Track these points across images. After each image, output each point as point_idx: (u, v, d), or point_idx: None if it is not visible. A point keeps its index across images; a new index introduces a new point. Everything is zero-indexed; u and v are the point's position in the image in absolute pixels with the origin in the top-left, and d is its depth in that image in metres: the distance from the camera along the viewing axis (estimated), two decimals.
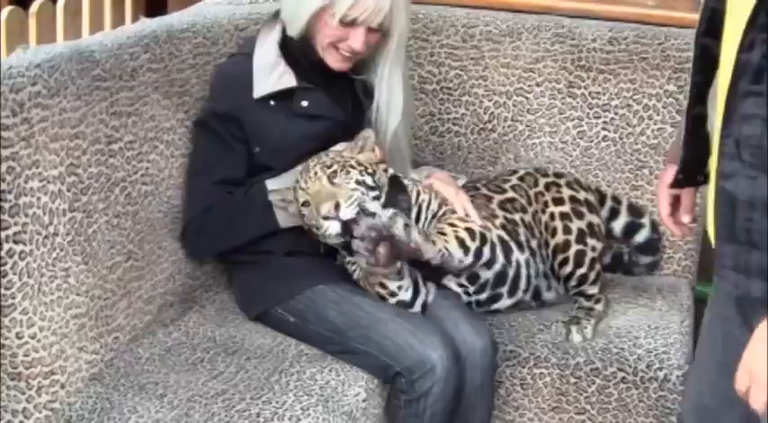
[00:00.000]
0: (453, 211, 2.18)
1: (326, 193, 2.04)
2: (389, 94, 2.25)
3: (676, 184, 1.69)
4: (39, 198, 1.79)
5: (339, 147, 2.17)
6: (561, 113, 2.62)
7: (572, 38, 2.61)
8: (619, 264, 2.57)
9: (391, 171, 2.17)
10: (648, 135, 2.59)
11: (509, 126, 2.65)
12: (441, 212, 2.18)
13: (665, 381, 2.16)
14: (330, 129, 2.21)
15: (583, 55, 2.60)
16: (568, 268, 2.31)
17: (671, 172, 1.71)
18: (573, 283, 2.32)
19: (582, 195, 2.40)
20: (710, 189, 1.52)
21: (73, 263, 1.88)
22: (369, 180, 2.07)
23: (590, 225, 2.36)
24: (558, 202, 2.36)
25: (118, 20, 3.29)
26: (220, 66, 2.28)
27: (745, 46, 1.39)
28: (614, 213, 2.54)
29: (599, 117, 2.61)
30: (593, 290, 2.33)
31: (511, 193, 2.35)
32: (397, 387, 2.03)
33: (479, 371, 2.09)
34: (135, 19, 3.18)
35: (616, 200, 2.55)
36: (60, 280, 1.85)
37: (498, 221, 2.26)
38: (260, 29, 2.28)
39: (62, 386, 1.85)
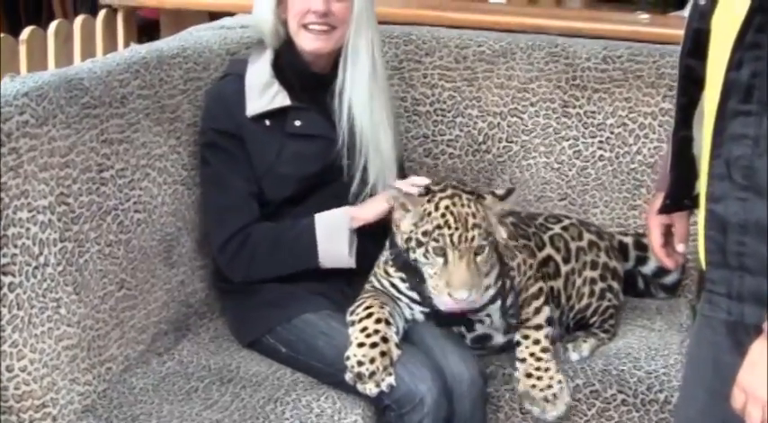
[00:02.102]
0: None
1: (470, 278, 1.87)
2: (354, 60, 2.19)
3: (664, 209, 1.66)
4: (28, 228, 1.77)
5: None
6: (556, 133, 2.61)
7: (566, 57, 2.60)
8: (632, 288, 2.54)
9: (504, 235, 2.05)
10: (645, 154, 2.57)
11: (504, 147, 2.63)
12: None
13: (666, 403, 2.12)
14: (324, 148, 2.21)
15: (577, 74, 2.59)
16: (584, 320, 2.31)
17: (660, 200, 1.68)
18: (592, 320, 2.33)
19: (613, 264, 2.38)
20: (701, 213, 1.49)
21: (64, 293, 1.86)
22: (495, 241, 1.97)
23: (610, 288, 2.35)
24: (594, 266, 2.33)
25: (110, 46, 3.28)
26: (213, 87, 2.28)
27: (734, 64, 1.38)
28: (642, 260, 2.51)
29: (594, 136, 2.59)
30: (605, 325, 2.33)
31: (548, 249, 2.28)
32: (387, 420, 2.00)
33: (468, 402, 2.05)
34: (127, 45, 3.17)
35: (642, 247, 2.49)
36: (51, 311, 1.82)
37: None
38: (250, 51, 2.28)
39: (54, 419, 1.82)
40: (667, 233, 1.73)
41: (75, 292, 1.88)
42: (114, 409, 1.92)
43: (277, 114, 2.19)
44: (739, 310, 1.40)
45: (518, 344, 2.12)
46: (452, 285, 1.88)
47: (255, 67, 2.21)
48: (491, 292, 2.04)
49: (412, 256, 1.95)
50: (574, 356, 2.22)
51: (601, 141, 2.59)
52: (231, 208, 2.17)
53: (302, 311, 2.13)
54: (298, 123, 2.19)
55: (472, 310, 2.02)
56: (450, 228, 1.89)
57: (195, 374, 2.07)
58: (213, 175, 2.20)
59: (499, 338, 2.17)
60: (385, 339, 1.98)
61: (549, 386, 2.08)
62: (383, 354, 1.96)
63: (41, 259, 1.80)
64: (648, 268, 2.51)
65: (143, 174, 2.12)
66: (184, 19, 3.24)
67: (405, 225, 1.95)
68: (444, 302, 1.91)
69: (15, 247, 1.74)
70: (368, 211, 2.14)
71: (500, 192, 2.00)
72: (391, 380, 1.95)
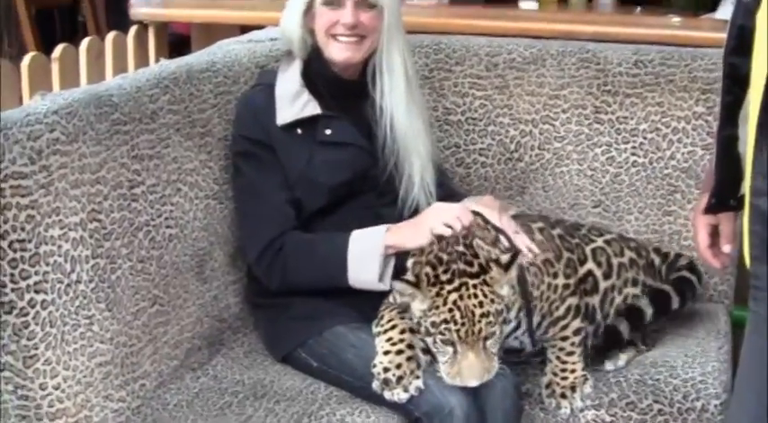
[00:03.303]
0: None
1: (479, 367, 1.87)
2: (391, 82, 2.21)
3: (709, 209, 1.64)
4: (60, 246, 1.77)
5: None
6: (589, 140, 2.58)
7: (597, 62, 2.57)
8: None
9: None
10: (679, 159, 2.53)
11: (536, 155, 2.61)
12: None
13: (704, 411, 2.08)
14: (355, 156, 2.21)
15: (609, 79, 2.56)
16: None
17: (705, 199, 1.66)
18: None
19: (649, 282, 2.34)
20: (745, 209, 1.46)
21: (96, 310, 1.86)
22: (506, 316, 1.94)
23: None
24: (635, 283, 2.30)
25: (142, 62, 3.30)
26: (244, 96, 2.28)
27: None
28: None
29: (627, 142, 2.56)
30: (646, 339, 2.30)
31: (590, 264, 2.25)
32: None
33: (501, 413, 2.01)
34: (158, 60, 3.18)
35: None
36: (84, 328, 1.82)
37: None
38: (280, 61, 2.29)
39: None
40: (714, 234, 1.71)
41: (108, 308, 1.89)
42: None
43: (308, 123, 2.19)
44: None
45: (546, 348, 2.16)
46: (462, 375, 1.88)
47: (285, 76, 2.22)
48: (513, 324, 2.02)
49: (423, 337, 1.94)
50: (609, 366, 2.19)
51: (634, 147, 2.55)
52: (266, 216, 2.16)
53: (333, 325, 2.12)
54: (328, 132, 2.19)
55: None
56: (456, 323, 1.87)
57: (229, 390, 2.07)
58: (247, 184, 2.20)
59: (530, 347, 2.15)
60: (411, 346, 1.97)
61: (573, 385, 2.11)
62: (409, 358, 1.95)
63: (74, 276, 1.80)
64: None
65: (174, 189, 2.12)
66: (215, 33, 3.24)
67: (415, 308, 1.93)
68: (458, 385, 1.91)
69: (47, 264, 1.74)
70: (406, 241, 2.07)
71: (504, 259, 1.95)
72: (419, 383, 1.93)
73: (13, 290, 1.69)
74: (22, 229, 1.70)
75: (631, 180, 2.57)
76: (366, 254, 2.09)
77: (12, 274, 1.69)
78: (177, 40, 3.88)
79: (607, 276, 2.27)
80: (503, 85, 2.61)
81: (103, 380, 1.87)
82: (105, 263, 1.89)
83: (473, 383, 1.89)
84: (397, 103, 2.23)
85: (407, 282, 1.93)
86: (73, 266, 1.80)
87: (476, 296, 1.88)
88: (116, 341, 1.90)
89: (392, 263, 2.10)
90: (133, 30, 3.33)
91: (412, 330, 1.99)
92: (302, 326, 2.15)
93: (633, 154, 2.56)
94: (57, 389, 1.76)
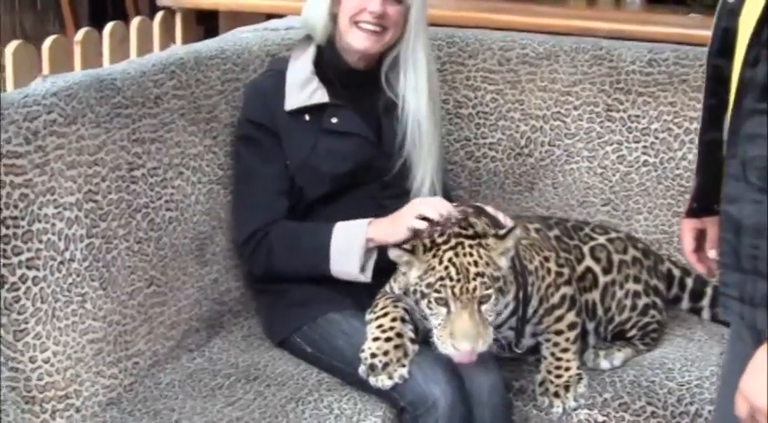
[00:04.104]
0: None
1: (473, 328, 1.84)
2: (416, 86, 2.23)
3: (691, 212, 1.62)
4: (54, 224, 1.82)
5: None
6: (600, 137, 2.56)
7: (610, 60, 2.55)
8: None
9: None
10: (690, 159, 2.50)
11: (546, 151, 2.60)
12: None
13: (697, 416, 2.06)
14: (359, 147, 2.22)
15: (621, 77, 2.54)
16: (624, 334, 2.28)
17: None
18: (630, 334, 2.29)
19: (654, 282, 2.34)
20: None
21: (90, 288, 1.90)
22: (502, 285, 1.91)
23: (654, 304, 2.31)
24: (637, 280, 2.29)
25: (167, 46, 3.34)
26: (253, 81, 2.31)
27: (750, 61, 1.33)
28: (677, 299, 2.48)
29: (639, 141, 2.54)
30: (646, 339, 2.29)
31: (588, 261, 2.25)
32: (404, 422, 1.99)
33: (488, 409, 2.01)
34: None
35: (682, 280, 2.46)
36: (76, 305, 1.87)
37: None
38: (293, 49, 2.31)
39: (77, 410, 1.87)
40: (700, 238, 1.69)
41: (102, 287, 1.93)
42: (138, 403, 1.95)
43: (315, 110, 2.21)
44: (752, 315, 1.35)
45: (541, 344, 2.14)
46: (455, 336, 1.86)
47: (297, 63, 2.24)
48: (511, 307, 2.01)
49: (418, 307, 1.94)
50: (604, 364, 2.18)
51: (645, 146, 2.53)
52: (257, 204, 2.20)
53: (327, 311, 2.14)
54: (334, 120, 2.21)
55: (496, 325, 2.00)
56: (452, 279, 1.87)
57: (222, 371, 2.10)
58: (244, 169, 2.24)
59: (528, 341, 2.15)
60: (400, 335, 1.98)
61: (567, 384, 2.09)
62: (397, 347, 1.96)
63: (67, 255, 1.84)
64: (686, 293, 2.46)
65: (176, 172, 2.15)
66: (243, 21, 3.28)
67: (411, 277, 1.94)
68: (450, 355, 1.89)
69: (40, 242, 1.79)
70: (386, 236, 2.08)
71: (501, 232, 1.95)
72: (404, 372, 1.94)
73: (4, 265, 1.74)
74: (15, 207, 1.75)
75: (641, 179, 2.55)
76: (348, 245, 2.11)
77: (4, 250, 1.74)
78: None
79: (606, 272, 2.26)
80: (515, 79, 2.61)
81: (95, 356, 1.91)
82: (101, 242, 1.93)
83: (465, 346, 1.85)
84: (422, 104, 2.25)
85: (404, 249, 1.94)
86: (67, 245, 1.84)
87: (471, 255, 1.88)
88: (109, 319, 1.94)
89: (374, 256, 2.12)
90: (159, 15, 3.38)
91: (403, 320, 2.01)
92: (298, 312, 2.18)
93: (644, 153, 2.54)
94: (46, 362, 1.81)
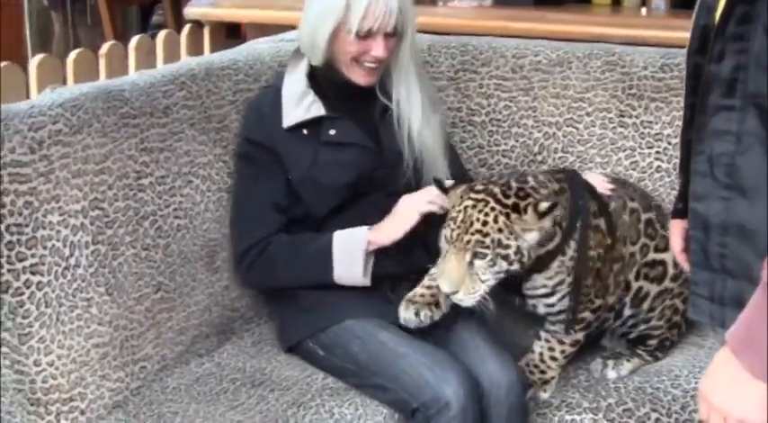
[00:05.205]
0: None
1: (454, 272, 1.90)
2: (408, 91, 2.26)
3: (677, 213, 1.62)
4: (59, 231, 1.87)
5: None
6: (613, 144, 2.55)
7: (623, 66, 2.54)
8: None
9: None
10: None
11: (559, 157, 2.60)
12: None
13: None
14: (359, 157, 2.24)
15: (634, 83, 2.53)
16: (644, 340, 2.26)
17: None
18: (650, 342, 2.26)
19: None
20: None
21: (95, 293, 1.95)
22: (511, 254, 1.91)
23: (679, 325, 2.29)
24: (681, 298, 2.23)
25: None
26: (250, 99, 2.34)
27: (714, 57, 1.33)
28: None
29: (651, 147, 2.52)
30: (656, 353, 2.26)
31: (667, 255, 2.18)
32: None
33: (506, 408, 2.03)
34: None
35: None
36: (81, 310, 1.92)
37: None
38: (288, 63, 2.32)
39: (82, 412, 1.92)
40: (688, 238, 1.69)
41: (108, 292, 1.98)
42: (144, 407, 2.00)
43: (313, 124, 2.23)
44: (720, 314, 1.35)
45: (538, 338, 2.16)
46: (441, 276, 1.94)
47: (292, 78, 2.26)
48: (561, 290, 2.03)
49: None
50: (611, 375, 2.18)
51: (658, 152, 2.52)
52: (253, 219, 2.23)
53: (344, 318, 2.17)
54: (332, 132, 2.23)
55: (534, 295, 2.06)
56: (455, 222, 1.93)
57: (228, 376, 2.14)
58: (242, 187, 2.27)
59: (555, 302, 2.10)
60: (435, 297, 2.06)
61: (542, 381, 2.13)
62: (433, 296, 2.05)
63: (72, 261, 1.90)
64: None
65: (185, 181, 2.20)
66: (268, 33, 3.33)
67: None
68: (458, 299, 1.95)
69: (45, 248, 1.84)
70: (385, 237, 2.16)
71: (543, 206, 1.92)
72: (429, 313, 2.03)
73: (9, 270, 1.80)
74: (20, 214, 1.81)
75: (655, 185, 2.53)
76: (350, 251, 2.15)
77: (8, 256, 1.80)
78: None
79: (674, 279, 2.23)
80: (528, 86, 2.61)
81: (100, 360, 1.96)
82: (107, 249, 1.98)
83: (444, 287, 1.92)
84: (414, 105, 2.26)
85: (440, 185, 2.05)
86: (72, 251, 1.90)
87: (486, 215, 1.91)
88: (115, 324, 1.99)
89: (372, 260, 2.16)
90: (187, 28, 3.44)
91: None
92: (312, 317, 2.20)
93: (657, 159, 2.52)
94: (50, 366, 1.86)
